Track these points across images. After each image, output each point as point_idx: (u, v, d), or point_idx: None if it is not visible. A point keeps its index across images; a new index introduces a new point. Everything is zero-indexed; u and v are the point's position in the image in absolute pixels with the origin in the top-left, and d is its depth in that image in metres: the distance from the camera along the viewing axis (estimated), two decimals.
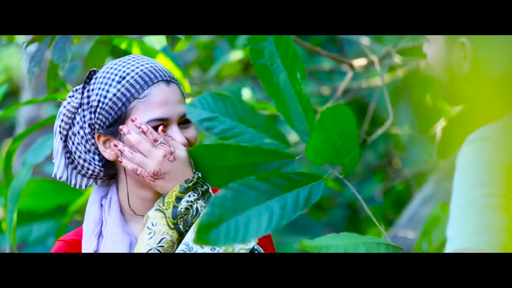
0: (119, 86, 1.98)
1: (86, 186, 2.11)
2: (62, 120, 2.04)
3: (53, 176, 2.08)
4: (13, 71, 7.74)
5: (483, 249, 1.73)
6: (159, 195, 2.03)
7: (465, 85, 1.92)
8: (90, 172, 2.06)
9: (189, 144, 2.02)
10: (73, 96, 2.06)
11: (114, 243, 2.03)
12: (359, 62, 3.69)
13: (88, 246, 2.04)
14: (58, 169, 2.07)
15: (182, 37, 2.47)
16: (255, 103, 3.32)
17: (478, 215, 1.77)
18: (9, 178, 2.96)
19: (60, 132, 2.05)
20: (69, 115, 2.04)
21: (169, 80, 2.01)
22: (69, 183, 2.09)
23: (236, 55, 4.29)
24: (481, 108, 1.90)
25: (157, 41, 3.33)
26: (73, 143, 2.04)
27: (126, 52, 2.93)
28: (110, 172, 2.06)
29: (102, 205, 2.09)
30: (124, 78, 1.99)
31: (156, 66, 2.02)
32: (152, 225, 1.97)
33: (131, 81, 1.98)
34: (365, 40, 4.24)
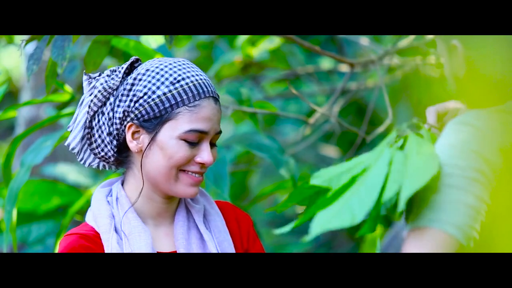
0: (171, 87, 2.01)
1: (89, 165, 2.13)
2: (96, 96, 2.06)
3: (65, 144, 2.10)
4: (13, 72, 7.74)
5: (434, 227, 1.76)
6: (168, 199, 2.08)
7: (464, 86, 1.93)
8: (102, 153, 2.09)
9: (208, 164, 2.06)
10: (110, 76, 2.08)
11: (139, 235, 2.03)
12: (359, 62, 3.70)
13: (109, 239, 2.02)
14: (74, 140, 2.09)
15: None
16: (254, 103, 3.32)
17: (435, 194, 1.79)
18: (8, 179, 2.96)
19: (89, 106, 2.06)
20: (105, 93, 2.06)
21: (217, 98, 2.07)
22: (77, 155, 2.11)
23: (236, 55, 4.29)
24: (478, 106, 1.91)
25: (154, 40, 3.34)
26: (98, 121, 2.07)
27: (125, 53, 2.92)
28: (119, 159, 2.10)
29: (108, 202, 2.09)
30: (179, 81, 2.02)
31: (208, 81, 2.06)
32: None
33: (185, 87, 2.02)
34: (364, 40, 4.24)
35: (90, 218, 2.09)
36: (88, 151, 2.12)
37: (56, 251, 2.40)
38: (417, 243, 1.80)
